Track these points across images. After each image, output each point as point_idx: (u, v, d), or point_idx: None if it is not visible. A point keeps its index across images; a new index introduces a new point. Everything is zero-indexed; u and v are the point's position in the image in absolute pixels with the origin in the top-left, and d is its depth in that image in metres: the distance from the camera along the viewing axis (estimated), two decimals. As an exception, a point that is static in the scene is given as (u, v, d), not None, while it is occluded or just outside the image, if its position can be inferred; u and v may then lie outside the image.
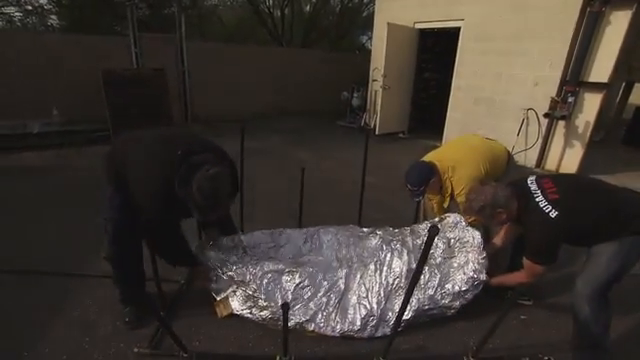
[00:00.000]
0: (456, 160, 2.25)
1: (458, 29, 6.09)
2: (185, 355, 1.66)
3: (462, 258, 2.07)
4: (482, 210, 1.76)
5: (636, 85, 8.07)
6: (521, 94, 5.42)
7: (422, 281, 1.98)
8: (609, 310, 1.60)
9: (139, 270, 1.92)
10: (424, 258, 1.25)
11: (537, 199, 1.64)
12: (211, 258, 2.01)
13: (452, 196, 2.34)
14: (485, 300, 2.02)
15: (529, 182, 1.75)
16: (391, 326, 1.85)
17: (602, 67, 4.57)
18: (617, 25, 4.37)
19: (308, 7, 12.77)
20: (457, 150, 2.40)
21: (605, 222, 1.55)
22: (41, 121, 5.25)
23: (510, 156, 2.45)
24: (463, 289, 1.96)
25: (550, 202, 1.60)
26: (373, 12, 7.62)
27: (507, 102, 5.62)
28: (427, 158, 2.39)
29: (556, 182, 1.69)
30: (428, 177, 2.20)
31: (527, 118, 5.35)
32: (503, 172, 2.35)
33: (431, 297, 1.95)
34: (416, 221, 2.80)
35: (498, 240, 2.13)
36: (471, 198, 1.81)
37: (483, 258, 2.02)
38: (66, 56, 5.81)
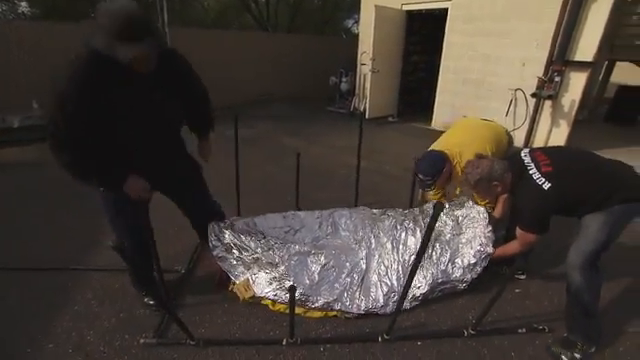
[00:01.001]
0: (462, 145, 2.26)
1: (446, 10, 6.05)
2: (192, 342, 1.68)
3: (470, 233, 2.16)
4: (478, 183, 1.81)
5: (617, 64, 8.21)
6: (509, 75, 5.46)
7: (435, 257, 2.10)
8: (600, 279, 1.67)
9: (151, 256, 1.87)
10: (429, 231, 1.29)
11: (531, 172, 1.68)
12: (227, 241, 2.03)
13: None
14: (483, 277, 2.09)
15: (523, 155, 1.79)
16: (410, 300, 1.96)
17: (587, 46, 4.63)
18: (602, 2, 4.41)
19: (292, -10, 12.48)
20: (461, 135, 2.41)
21: (594, 192, 1.61)
22: (21, 115, 5.05)
23: (509, 136, 2.49)
24: (472, 262, 2.05)
25: (543, 174, 1.64)
26: (359, -6, 7.48)
27: (495, 83, 5.66)
28: (433, 147, 2.38)
29: (549, 154, 1.73)
30: (442, 166, 2.19)
31: (515, 99, 5.41)
32: (505, 151, 2.37)
33: (444, 271, 2.05)
34: (411, 204, 2.83)
35: (496, 212, 2.19)
36: (468, 171, 1.84)
37: (489, 232, 2.10)
38: (43, 46, 5.55)
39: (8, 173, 3.95)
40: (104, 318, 1.88)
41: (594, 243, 1.61)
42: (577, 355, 1.69)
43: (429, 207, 2.40)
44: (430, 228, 1.28)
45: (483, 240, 2.09)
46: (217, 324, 1.87)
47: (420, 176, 2.25)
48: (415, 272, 1.52)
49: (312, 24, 14.15)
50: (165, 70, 1.53)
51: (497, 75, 5.63)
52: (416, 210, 2.43)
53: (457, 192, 2.49)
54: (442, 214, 2.25)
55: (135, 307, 1.95)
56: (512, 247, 1.93)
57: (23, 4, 10.08)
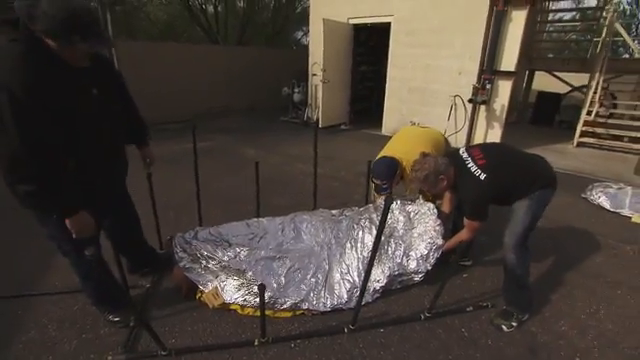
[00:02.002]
0: (407, 151, 2.48)
1: (389, 24, 6.50)
2: (164, 353, 1.69)
3: (421, 228, 2.37)
4: (427, 178, 2.01)
5: (537, 73, 9.31)
6: (448, 83, 5.99)
7: (390, 252, 2.28)
8: (529, 255, 1.97)
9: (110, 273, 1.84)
10: (382, 225, 1.46)
11: (468, 165, 1.94)
12: (193, 251, 2.07)
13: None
14: (434, 268, 2.30)
15: (461, 152, 2.05)
16: (372, 294, 2.13)
17: (509, 58, 5.27)
18: (517, 22, 5.08)
19: (242, 3, 12.50)
20: (405, 142, 2.64)
21: (521, 180, 1.90)
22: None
23: (446, 139, 2.78)
24: (424, 253, 2.26)
25: (479, 167, 1.90)
26: (307, 7, 7.76)
27: (437, 90, 6.18)
28: (382, 154, 2.59)
29: (482, 150, 2.00)
30: (395, 170, 2.41)
31: (455, 104, 5.94)
32: (444, 153, 2.64)
33: (399, 264, 2.24)
34: (367, 203, 3.03)
35: (444, 208, 2.44)
36: (416, 169, 2.05)
37: (439, 225, 2.33)
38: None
39: None
40: (65, 341, 1.81)
41: (522, 224, 1.90)
42: (514, 323, 1.97)
43: (382, 203, 2.59)
44: (382, 222, 1.45)
45: (433, 233, 2.31)
46: (187, 332, 1.88)
47: (377, 181, 2.44)
48: (372, 266, 1.69)
49: (263, 36, 14.28)
50: (98, 68, 1.54)
51: (438, 83, 6.14)
52: (371, 208, 2.61)
53: (407, 193, 2.72)
54: (395, 210, 2.45)
55: (98, 326, 1.90)
56: (461, 236, 2.13)
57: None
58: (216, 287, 2.00)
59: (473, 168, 1.91)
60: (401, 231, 2.39)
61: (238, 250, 2.16)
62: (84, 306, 2.01)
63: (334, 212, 2.62)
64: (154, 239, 2.49)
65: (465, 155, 2.01)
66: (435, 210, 2.42)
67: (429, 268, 2.28)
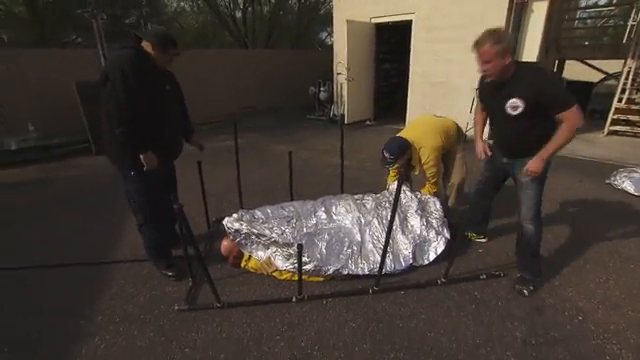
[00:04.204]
0: (419, 137, 2.73)
1: (410, 22, 6.68)
2: (219, 305, 2.06)
3: (429, 207, 2.73)
4: (501, 40, 1.84)
5: (569, 62, 9.09)
6: (469, 76, 6.03)
7: (409, 226, 2.62)
8: (542, 226, 2.19)
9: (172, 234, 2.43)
10: (396, 202, 1.80)
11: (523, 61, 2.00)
12: (245, 231, 2.43)
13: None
14: (450, 244, 2.55)
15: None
16: (402, 261, 2.44)
17: (531, 48, 5.33)
18: (538, 13, 5.14)
19: (267, 8, 13.02)
20: (417, 128, 2.88)
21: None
22: (17, 137, 5.28)
23: (459, 127, 2.97)
24: (439, 225, 2.66)
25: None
26: (331, 9, 8.06)
27: (458, 84, 6.30)
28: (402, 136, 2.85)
29: None
30: (404, 149, 2.67)
31: (477, 97, 6.03)
32: (457, 140, 2.85)
33: (419, 235, 2.57)
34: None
35: (457, 172, 2.82)
36: (495, 32, 1.87)
37: (440, 205, 2.71)
38: (34, 71, 5.80)
39: (15, 190, 4.20)
40: (140, 296, 2.24)
41: (537, 196, 2.12)
42: (531, 287, 2.20)
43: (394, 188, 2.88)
44: (396, 200, 1.78)
45: (439, 213, 2.68)
46: (235, 292, 2.25)
47: (386, 154, 2.69)
48: (389, 235, 2.02)
49: (288, 38, 14.76)
50: (169, 76, 2.29)
51: (459, 77, 6.26)
52: (386, 193, 2.93)
53: (416, 173, 2.96)
54: (407, 191, 2.79)
55: (164, 286, 2.32)
56: (564, 135, 1.86)
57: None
58: (269, 257, 2.37)
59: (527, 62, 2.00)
60: (416, 209, 2.68)
61: (283, 228, 2.49)
62: (150, 271, 2.44)
63: (357, 197, 2.91)
64: (203, 220, 2.92)
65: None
66: (438, 206, 2.75)
67: (447, 236, 2.57)
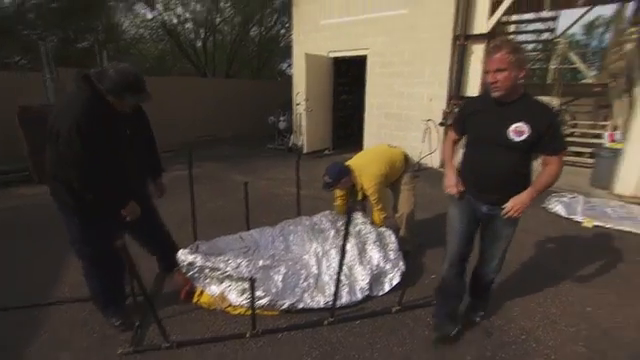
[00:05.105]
0: (361, 164, 2.88)
1: (365, 57, 7.12)
2: (167, 345, 1.93)
3: (386, 238, 2.82)
4: (517, 51, 1.65)
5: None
6: (421, 108, 6.54)
7: (368, 257, 2.64)
8: None
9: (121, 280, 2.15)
10: (346, 234, 1.86)
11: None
12: (199, 264, 2.33)
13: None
14: (407, 271, 2.63)
15: None
16: (358, 292, 2.43)
17: (473, 85, 5.86)
18: (477, 54, 5.72)
19: (229, 38, 13.23)
20: (364, 156, 3.04)
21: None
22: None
23: (407, 158, 3.14)
24: (393, 257, 2.70)
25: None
26: (291, 42, 8.38)
27: (411, 116, 6.72)
28: (345, 163, 2.99)
29: None
30: (344, 174, 2.80)
31: (428, 128, 6.46)
32: (402, 169, 3.00)
33: (377, 266, 2.59)
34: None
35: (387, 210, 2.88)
36: (513, 43, 1.68)
37: (391, 233, 2.81)
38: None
39: None
40: (77, 341, 2.04)
41: (506, 248, 1.96)
42: (481, 313, 2.27)
43: (358, 218, 2.95)
44: (347, 230, 1.85)
45: (393, 243, 2.77)
46: (186, 330, 2.13)
47: (325, 177, 2.80)
48: (341, 267, 2.05)
49: (249, 68, 15.01)
50: (135, 115, 2.03)
51: (412, 109, 6.69)
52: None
53: (359, 198, 3.08)
54: (367, 227, 2.85)
55: (106, 327, 2.14)
56: (553, 177, 1.72)
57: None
58: (222, 292, 2.28)
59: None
60: (375, 240, 2.74)
61: (239, 261, 2.42)
62: (92, 312, 2.24)
63: (315, 219, 2.93)
64: (151, 258, 2.77)
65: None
66: (393, 237, 2.84)
67: (403, 268, 2.62)
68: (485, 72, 1.71)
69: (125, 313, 2.17)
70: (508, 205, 1.73)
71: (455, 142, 2.08)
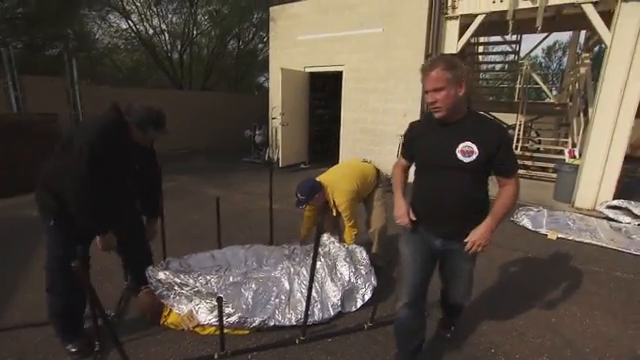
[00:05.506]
0: (333, 180, 2.89)
1: (341, 72, 7.26)
2: (128, 372, 1.82)
3: (356, 255, 2.81)
4: (454, 67, 1.52)
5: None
6: (395, 123, 6.70)
7: (339, 274, 2.62)
8: None
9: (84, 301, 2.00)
10: (315, 252, 1.86)
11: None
12: (168, 280, 2.26)
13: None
14: (379, 287, 2.63)
15: None
16: (330, 309, 2.40)
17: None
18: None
19: (206, 51, 13.15)
20: (335, 172, 3.05)
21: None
22: None
23: (379, 173, 3.18)
24: (365, 273, 2.68)
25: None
26: (268, 56, 8.44)
27: (385, 130, 6.86)
28: (317, 178, 3.00)
29: None
30: (316, 191, 2.80)
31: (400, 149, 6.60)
32: (374, 184, 3.03)
33: (349, 282, 2.57)
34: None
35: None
36: (452, 59, 1.56)
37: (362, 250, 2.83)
38: None
39: None
40: (27, 371, 1.89)
41: (471, 277, 1.90)
42: (452, 328, 2.27)
43: (323, 239, 2.94)
44: (315, 251, 1.86)
45: (365, 259, 2.76)
46: (151, 353, 2.02)
47: (298, 194, 2.79)
48: (312, 284, 2.02)
49: (226, 82, 14.92)
50: (142, 150, 2.10)
51: (386, 124, 6.84)
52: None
53: (333, 213, 3.06)
54: (336, 245, 2.84)
55: (63, 355, 1.99)
56: (512, 200, 1.67)
57: None
58: (191, 310, 2.19)
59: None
60: (345, 257, 2.74)
61: (209, 277, 2.38)
62: (46, 337, 2.09)
63: (286, 252, 2.93)
64: (121, 272, 2.64)
65: None
66: (364, 255, 2.82)
67: (375, 284, 2.62)
68: (425, 92, 1.58)
69: (84, 339, 2.03)
70: (469, 241, 1.62)
71: (405, 169, 1.95)
